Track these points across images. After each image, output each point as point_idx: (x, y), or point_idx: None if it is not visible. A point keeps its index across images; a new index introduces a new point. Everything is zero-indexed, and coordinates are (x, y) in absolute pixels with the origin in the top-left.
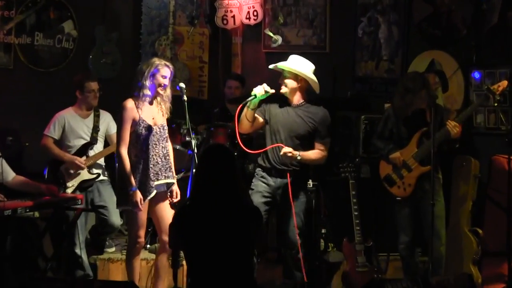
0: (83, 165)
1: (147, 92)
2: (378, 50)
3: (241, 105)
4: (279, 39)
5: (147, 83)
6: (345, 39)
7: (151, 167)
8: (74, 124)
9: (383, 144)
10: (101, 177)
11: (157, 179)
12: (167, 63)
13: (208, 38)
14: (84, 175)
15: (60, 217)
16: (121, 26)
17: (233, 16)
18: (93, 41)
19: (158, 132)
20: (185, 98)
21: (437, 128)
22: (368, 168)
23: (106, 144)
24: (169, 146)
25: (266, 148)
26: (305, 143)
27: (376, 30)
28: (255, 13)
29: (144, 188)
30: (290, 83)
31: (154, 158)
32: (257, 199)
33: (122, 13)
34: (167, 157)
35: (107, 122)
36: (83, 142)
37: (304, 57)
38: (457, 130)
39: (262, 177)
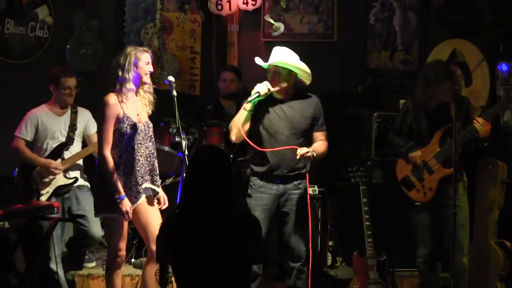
0: (59, 170)
1: (131, 85)
2: (393, 39)
3: (243, 105)
4: (280, 26)
5: (130, 75)
6: (355, 26)
7: (137, 170)
8: (49, 123)
9: (402, 141)
10: (80, 182)
11: (141, 184)
12: (144, 48)
13: (200, 26)
14: (60, 179)
15: (34, 228)
16: (102, 12)
17: (229, 1)
18: (71, 30)
19: (143, 130)
20: (174, 93)
21: (463, 124)
22: (381, 173)
23: (85, 144)
24: (153, 146)
25: (282, 148)
26: (307, 138)
27: (391, 16)
28: None
29: (131, 194)
30: (285, 80)
31: (139, 160)
32: (259, 214)
33: None
34: (150, 158)
35: (86, 120)
36: (58, 143)
37: (310, 47)
38: (486, 128)
39: (260, 187)
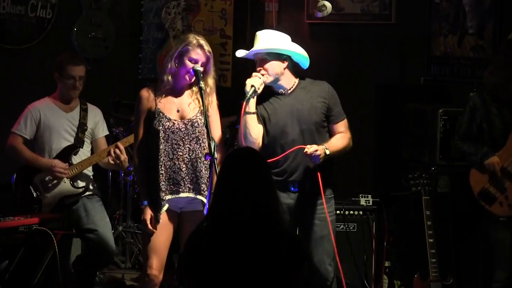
0: (65, 172)
1: (168, 78)
2: (462, 20)
3: (244, 104)
4: (328, 6)
5: (170, 66)
6: (417, 5)
7: (161, 174)
8: (53, 120)
9: (474, 147)
10: (89, 191)
11: (177, 192)
12: (202, 42)
13: (232, 5)
14: (66, 188)
15: (34, 245)
16: None
17: None
18: (78, 9)
19: (183, 129)
20: (202, 84)
21: None
22: (447, 180)
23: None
24: (200, 149)
25: (285, 153)
26: (323, 132)
27: None
28: None
29: (156, 201)
30: (274, 66)
31: (175, 163)
32: None
33: None
34: (196, 163)
35: (96, 121)
36: (64, 144)
37: (363, 30)
38: None
39: None
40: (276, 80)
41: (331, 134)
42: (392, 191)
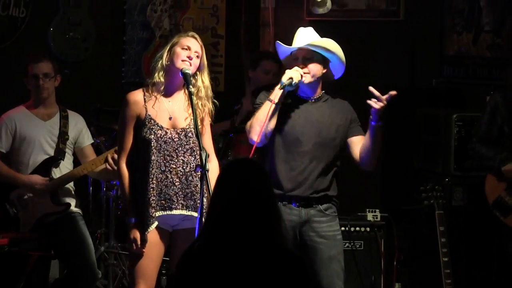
0: (45, 187)
1: (160, 78)
2: (477, 16)
3: (279, 90)
4: (328, 1)
5: (160, 64)
6: (428, 0)
7: (152, 188)
8: (30, 130)
9: (492, 152)
10: (71, 208)
11: (170, 208)
12: (192, 33)
13: (224, 1)
14: (46, 206)
15: (8, 267)
16: None
17: None
18: (55, 7)
19: (176, 140)
20: (191, 89)
21: None
22: (463, 192)
23: (76, 160)
24: (195, 161)
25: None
26: (335, 153)
27: None
28: None
29: (143, 219)
30: (317, 69)
31: (167, 177)
32: None
33: None
34: (191, 178)
35: (79, 128)
36: (44, 156)
37: (368, 28)
38: None
39: None
40: (311, 84)
41: (349, 150)
42: (402, 205)
